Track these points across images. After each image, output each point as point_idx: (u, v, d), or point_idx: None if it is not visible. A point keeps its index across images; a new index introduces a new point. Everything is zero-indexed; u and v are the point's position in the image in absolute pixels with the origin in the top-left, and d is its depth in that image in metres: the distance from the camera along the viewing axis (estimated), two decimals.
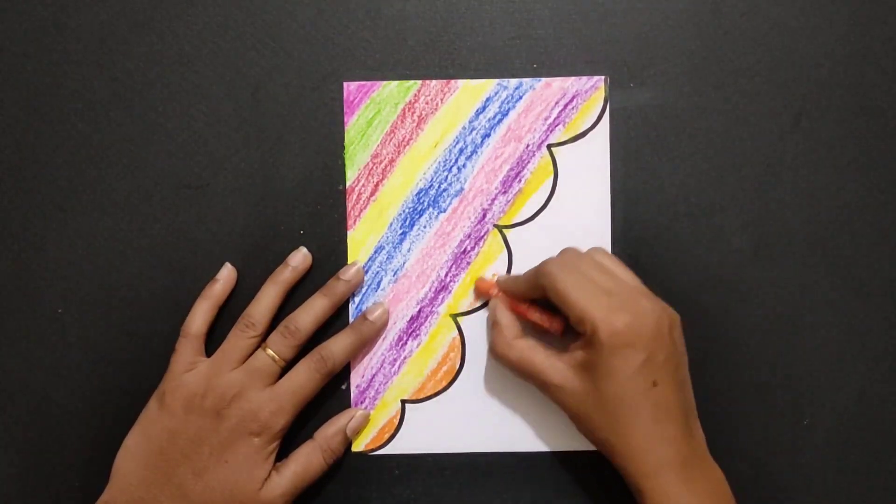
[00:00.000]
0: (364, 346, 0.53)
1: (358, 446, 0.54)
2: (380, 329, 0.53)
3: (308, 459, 0.51)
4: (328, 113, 0.54)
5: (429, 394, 0.54)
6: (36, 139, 0.54)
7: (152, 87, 0.54)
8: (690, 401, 0.49)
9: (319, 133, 0.54)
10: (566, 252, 0.51)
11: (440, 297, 0.54)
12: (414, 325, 0.54)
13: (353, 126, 0.54)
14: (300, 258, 0.53)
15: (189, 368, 0.50)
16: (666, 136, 0.54)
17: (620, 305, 0.47)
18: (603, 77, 0.53)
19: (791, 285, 0.53)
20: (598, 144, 0.54)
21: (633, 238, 0.53)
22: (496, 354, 0.51)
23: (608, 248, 0.53)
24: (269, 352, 0.50)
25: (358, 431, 0.53)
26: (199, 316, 0.52)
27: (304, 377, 0.51)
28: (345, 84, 0.54)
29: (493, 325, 0.52)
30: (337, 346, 0.51)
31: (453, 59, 0.54)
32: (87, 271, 0.54)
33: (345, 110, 0.54)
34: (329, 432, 0.52)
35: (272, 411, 0.49)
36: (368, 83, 0.54)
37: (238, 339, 0.51)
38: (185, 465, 0.49)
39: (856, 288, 0.53)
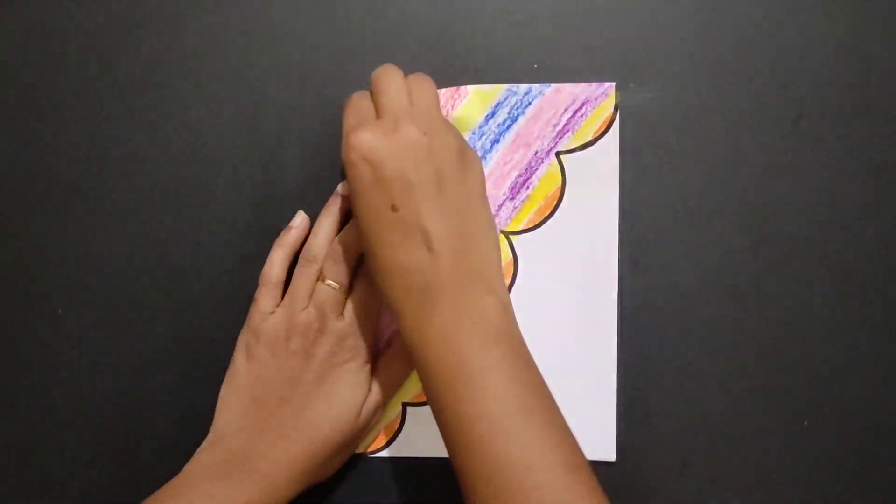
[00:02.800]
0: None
1: (358, 448, 0.53)
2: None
3: (388, 368, 0.52)
4: (328, 113, 0.54)
5: None
6: (36, 139, 0.54)
7: (152, 88, 0.54)
8: (465, 234, 0.46)
9: (320, 134, 0.54)
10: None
11: None
12: None
13: None
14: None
15: (267, 316, 0.51)
16: (666, 136, 0.54)
17: (374, 125, 0.46)
18: (613, 84, 0.53)
19: (791, 285, 0.53)
20: (608, 152, 0.53)
21: (633, 237, 0.53)
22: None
23: (614, 252, 0.53)
24: (328, 281, 0.50)
25: None
26: (278, 264, 0.52)
27: (364, 293, 0.51)
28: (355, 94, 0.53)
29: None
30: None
31: (453, 59, 0.54)
32: (87, 271, 0.54)
33: None
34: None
35: (354, 335, 0.50)
36: None
37: (303, 276, 0.51)
38: (283, 407, 0.49)
39: (856, 288, 0.53)
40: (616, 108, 0.53)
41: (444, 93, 0.53)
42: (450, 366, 0.43)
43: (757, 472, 0.53)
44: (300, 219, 0.53)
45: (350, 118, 0.48)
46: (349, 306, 0.51)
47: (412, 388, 0.54)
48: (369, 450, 0.54)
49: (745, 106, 0.54)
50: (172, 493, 0.47)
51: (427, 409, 0.53)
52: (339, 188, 0.52)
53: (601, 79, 0.54)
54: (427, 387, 0.44)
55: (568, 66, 0.54)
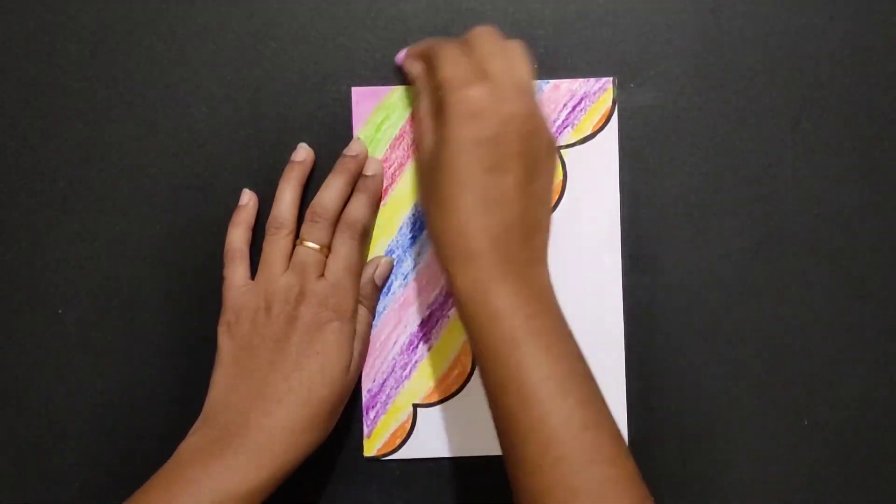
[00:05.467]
0: (378, 201, 0.53)
1: (370, 451, 0.53)
2: (381, 181, 0.53)
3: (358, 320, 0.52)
4: (328, 113, 0.54)
5: (440, 397, 0.54)
6: (36, 139, 0.54)
7: (152, 87, 0.54)
8: (539, 223, 0.47)
9: (319, 133, 0.54)
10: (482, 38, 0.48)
11: (450, 300, 0.54)
12: (425, 328, 0.54)
13: (363, 131, 0.53)
14: (304, 153, 0.53)
15: (242, 291, 0.51)
16: (666, 137, 0.54)
17: (486, 85, 0.45)
18: (611, 78, 0.53)
19: (791, 285, 0.54)
20: (607, 146, 0.54)
21: (633, 237, 0.54)
22: (414, 113, 0.49)
23: (617, 249, 0.53)
24: (307, 243, 0.50)
25: (385, 278, 0.53)
26: (238, 239, 0.52)
27: (346, 250, 0.51)
28: (353, 89, 0.53)
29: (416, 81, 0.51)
30: (355, 208, 0.52)
31: None
32: (87, 271, 0.54)
33: (354, 115, 0.53)
34: (359, 284, 0.52)
35: (338, 294, 0.50)
36: (377, 88, 0.53)
37: (273, 243, 0.51)
38: (273, 372, 0.48)
39: (856, 288, 0.54)
40: (614, 102, 0.53)
41: None
42: (510, 331, 0.44)
43: (756, 470, 0.53)
44: (248, 196, 0.53)
45: (452, 68, 0.46)
46: (330, 266, 0.50)
47: (422, 389, 0.54)
48: (382, 452, 0.54)
49: (745, 106, 0.54)
50: (162, 481, 0.46)
51: (437, 409, 0.54)
52: (295, 155, 0.53)
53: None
54: (481, 348, 0.45)
55: (568, 66, 0.54)
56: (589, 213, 0.53)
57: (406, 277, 0.54)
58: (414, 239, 0.54)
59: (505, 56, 0.47)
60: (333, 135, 0.54)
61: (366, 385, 0.54)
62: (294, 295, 0.49)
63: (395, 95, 0.53)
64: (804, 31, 0.54)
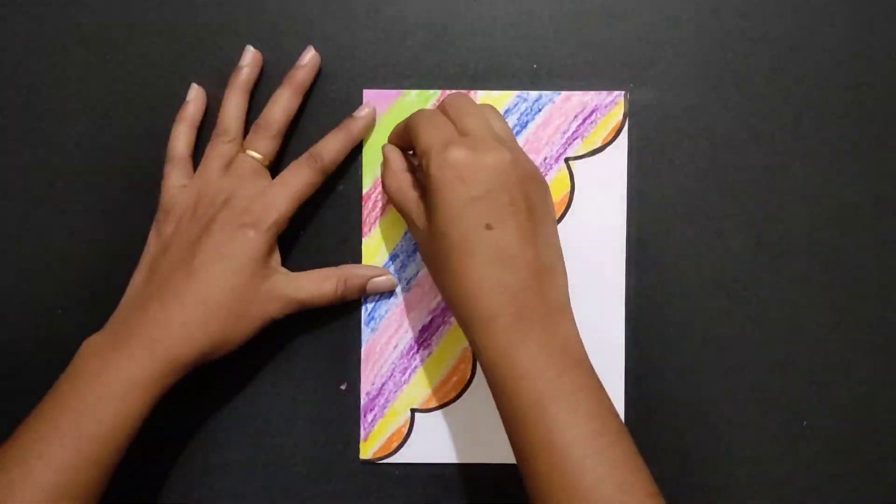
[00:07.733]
0: (353, 144, 0.52)
1: (366, 454, 0.53)
2: (367, 127, 0.53)
3: (322, 281, 0.51)
4: (327, 113, 0.54)
5: (438, 403, 0.53)
6: (36, 139, 0.54)
7: (152, 87, 0.54)
8: (553, 268, 0.46)
9: (319, 133, 0.54)
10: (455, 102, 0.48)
11: None
12: (425, 334, 0.54)
13: (373, 134, 0.53)
14: (250, 56, 0.53)
15: (176, 191, 0.51)
16: (666, 137, 0.54)
17: (465, 142, 0.45)
18: (623, 92, 0.53)
19: (791, 285, 0.54)
20: (616, 159, 0.53)
21: (634, 237, 0.53)
22: (384, 187, 0.50)
23: (622, 259, 0.53)
24: (250, 152, 0.51)
25: (377, 292, 0.53)
26: (181, 138, 0.52)
27: (295, 172, 0.50)
28: (365, 91, 0.53)
29: (383, 161, 0.51)
30: (328, 144, 0.52)
31: (453, 60, 0.54)
32: (86, 271, 0.54)
33: None
34: (355, 272, 0.52)
35: (264, 203, 0.49)
36: (389, 91, 0.53)
37: (215, 148, 0.51)
38: (180, 269, 0.48)
39: (856, 288, 0.54)
40: (625, 116, 0.53)
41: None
42: (536, 394, 0.42)
43: (756, 471, 0.53)
44: (195, 91, 0.53)
45: (429, 135, 0.46)
46: (274, 181, 0.50)
47: (421, 394, 0.53)
48: (377, 455, 0.53)
49: (746, 106, 0.54)
50: (69, 377, 0.47)
51: (435, 415, 0.53)
52: (241, 60, 0.53)
53: (600, 79, 0.54)
54: (509, 412, 0.43)
55: (567, 66, 0.54)
56: (595, 224, 0.53)
57: (409, 282, 0.54)
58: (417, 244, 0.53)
59: (478, 112, 0.47)
60: None
61: (364, 388, 0.54)
62: (222, 198, 0.49)
63: (406, 99, 0.53)
64: (804, 31, 0.54)
